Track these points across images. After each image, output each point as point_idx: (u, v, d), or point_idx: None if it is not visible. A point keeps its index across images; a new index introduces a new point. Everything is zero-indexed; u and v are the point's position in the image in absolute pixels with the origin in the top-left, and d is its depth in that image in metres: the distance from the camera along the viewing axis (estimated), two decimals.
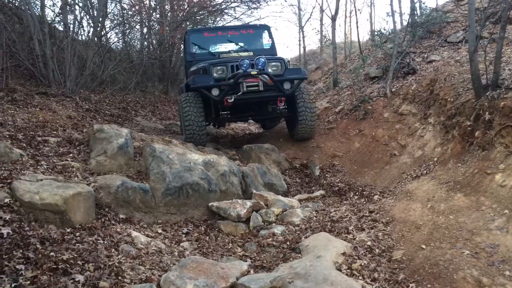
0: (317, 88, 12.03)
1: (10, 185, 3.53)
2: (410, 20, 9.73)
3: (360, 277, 3.38)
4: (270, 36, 8.51)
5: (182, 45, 13.34)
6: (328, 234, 4.12)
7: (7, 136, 4.84)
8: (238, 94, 6.71)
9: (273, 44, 8.43)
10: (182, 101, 6.96)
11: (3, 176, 3.66)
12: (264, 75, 6.69)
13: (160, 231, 4.29)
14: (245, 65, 6.49)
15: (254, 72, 6.55)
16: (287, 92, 6.90)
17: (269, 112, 7.54)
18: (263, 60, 6.56)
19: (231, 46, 8.25)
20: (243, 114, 7.80)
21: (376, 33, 10.95)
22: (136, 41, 15.14)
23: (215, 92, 6.73)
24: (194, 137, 6.82)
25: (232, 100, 6.70)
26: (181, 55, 14.84)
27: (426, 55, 8.41)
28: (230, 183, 5.25)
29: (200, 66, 7.24)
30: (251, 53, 7.79)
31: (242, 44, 8.19)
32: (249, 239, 4.38)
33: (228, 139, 9.20)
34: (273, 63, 7.02)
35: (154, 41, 14.77)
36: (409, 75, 7.98)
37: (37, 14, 9.19)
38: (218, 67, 6.88)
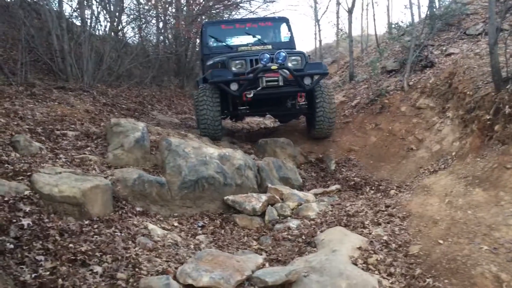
0: (333, 82, 11.96)
1: (30, 177, 3.59)
2: (428, 12, 9.57)
3: (376, 272, 3.37)
4: (289, 29, 8.27)
5: (198, 39, 13.38)
6: (344, 228, 4.11)
7: (27, 129, 4.91)
8: (258, 89, 6.55)
9: (292, 37, 8.19)
10: (198, 94, 6.85)
11: (23, 169, 3.72)
12: (284, 70, 6.53)
13: (176, 224, 4.33)
14: (265, 59, 6.31)
15: (274, 67, 6.35)
16: (308, 87, 6.73)
17: (288, 108, 7.37)
18: (284, 54, 6.37)
19: (249, 39, 8.05)
20: (262, 109, 7.65)
21: (393, 25, 10.82)
22: (152, 36, 15.23)
23: (233, 86, 6.57)
24: (209, 130, 6.74)
25: (251, 95, 6.56)
26: (197, 49, 14.87)
27: (444, 48, 8.28)
28: (245, 177, 5.26)
29: (218, 60, 7.10)
30: (270, 47, 7.64)
31: (259, 37, 8.01)
32: (264, 233, 4.40)
33: (243, 133, 9.21)
34: (293, 57, 6.82)
35: (170, 36, 14.83)
36: (427, 68, 7.87)
37: (55, 9, 9.30)
38: (237, 61, 6.73)
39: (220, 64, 6.94)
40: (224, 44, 7.95)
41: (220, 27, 8.38)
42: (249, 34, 8.08)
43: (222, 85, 6.61)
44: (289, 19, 8.42)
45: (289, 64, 6.66)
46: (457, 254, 3.35)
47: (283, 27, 8.37)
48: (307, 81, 6.73)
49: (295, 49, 7.97)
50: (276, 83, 6.60)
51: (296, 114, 8.12)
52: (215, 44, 8.01)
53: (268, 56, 6.34)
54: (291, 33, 8.22)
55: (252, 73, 6.51)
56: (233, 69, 6.69)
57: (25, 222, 2.99)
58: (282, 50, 6.49)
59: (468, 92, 5.79)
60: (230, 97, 7.02)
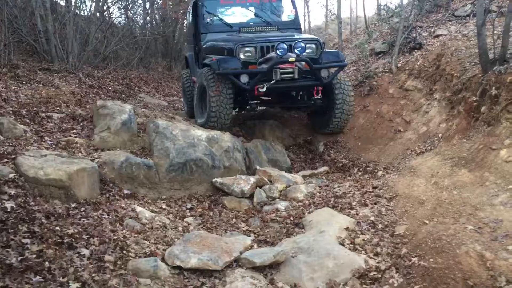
0: None
1: (15, 160, 3.55)
2: None
3: (363, 252, 3.41)
4: (294, 5, 7.50)
5: (185, 20, 13.16)
6: (332, 209, 4.15)
7: (11, 112, 4.84)
8: (271, 82, 5.80)
9: (297, 15, 7.45)
10: (208, 83, 6.03)
11: (8, 151, 3.67)
12: (301, 61, 5.80)
13: (164, 206, 4.33)
14: (282, 50, 5.60)
15: (292, 59, 5.65)
16: (325, 81, 6.02)
17: (301, 101, 6.67)
18: (303, 45, 5.69)
19: (250, 16, 7.43)
20: (273, 103, 6.75)
21: (382, 7, 10.76)
22: (139, 16, 14.98)
23: (244, 79, 5.76)
24: (219, 122, 5.98)
25: (264, 89, 5.79)
26: (185, 30, 14.67)
27: (433, 30, 8.25)
28: (233, 159, 5.25)
29: (223, 46, 6.30)
30: (275, 28, 7.08)
31: (258, 13, 7.36)
32: (252, 215, 4.42)
33: None
34: (308, 45, 5.99)
35: (157, 16, 14.62)
36: (415, 50, 7.85)
37: None
38: (246, 49, 5.95)
39: (227, 51, 6.13)
40: (223, 21, 7.19)
41: (218, 1, 7.50)
42: (250, 11, 7.47)
43: (231, 77, 5.82)
44: None
45: (303, 53, 5.86)
46: (442, 233, 3.40)
47: (287, 3, 7.66)
48: (324, 73, 6.06)
49: (300, 28, 7.45)
50: (291, 75, 5.86)
51: (308, 107, 7.09)
52: (212, 21, 7.24)
53: (286, 46, 5.64)
54: (296, 11, 7.52)
55: (264, 63, 5.80)
56: (242, 57, 5.90)
57: (9, 205, 2.96)
58: (300, 39, 5.87)
59: (455, 74, 5.81)
60: (237, 89, 6.15)
